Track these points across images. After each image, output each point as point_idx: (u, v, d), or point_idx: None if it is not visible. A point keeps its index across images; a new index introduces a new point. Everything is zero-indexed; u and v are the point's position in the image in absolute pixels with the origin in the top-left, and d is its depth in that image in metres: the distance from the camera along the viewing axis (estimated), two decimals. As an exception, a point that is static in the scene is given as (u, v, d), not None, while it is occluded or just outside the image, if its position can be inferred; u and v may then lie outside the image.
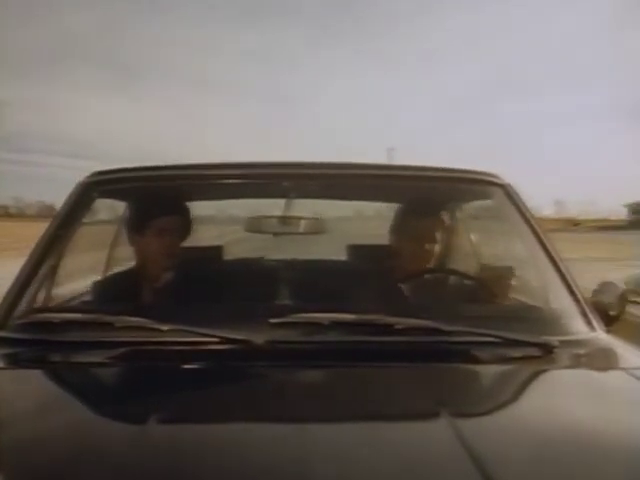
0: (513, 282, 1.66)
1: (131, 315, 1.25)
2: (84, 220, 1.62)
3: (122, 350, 1.21)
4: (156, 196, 1.74)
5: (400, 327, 1.23)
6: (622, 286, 1.60)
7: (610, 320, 1.46)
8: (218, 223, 2.64)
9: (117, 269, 2.01)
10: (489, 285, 1.68)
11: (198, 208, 2.02)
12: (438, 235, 1.87)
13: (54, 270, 1.50)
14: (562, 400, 1.08)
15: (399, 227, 1.92)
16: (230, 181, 1.66)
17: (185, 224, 1.82)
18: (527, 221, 1.56)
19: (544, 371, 1.23)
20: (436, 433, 0.93)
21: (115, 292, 1.69)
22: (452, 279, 1.86)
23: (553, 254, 1.50)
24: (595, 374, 1.23)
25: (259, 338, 1.19)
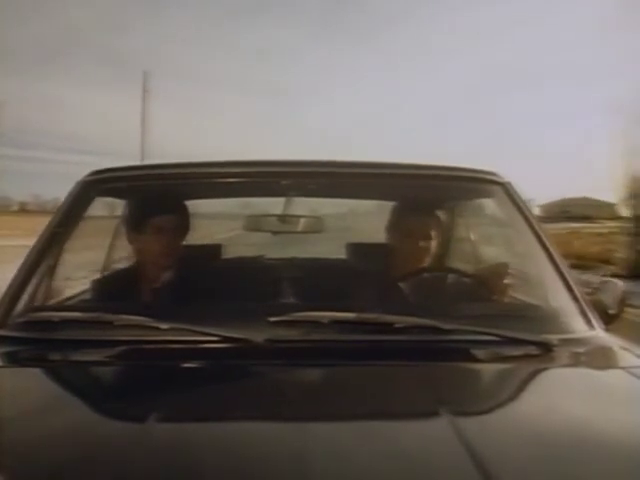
0: (512, 280, 1.66)
1: (130, 314, 1.24)
2: (83, 219, 1.62)
3: (121, 349, 1.21)
4: (155, 194, 1.74)
5: (399, 326, 1.23)
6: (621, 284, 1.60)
7: (609, 319, 1.46)
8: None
9: (116, 267, 2.01)
10: (488, 283, 1.67)
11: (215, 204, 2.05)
12: (437, 233, 1.87)
13: (53, 268, 1.50)
14: (561, 398, 1.08)
15: (397, 225, 1.91)
16: (229, 179, 1.65)
17: (184, 222, 1.82)
18: (527, 219, 1.56)
19: (543, 369, 1.23)
20: (436, 432, 0.93)
21: (114, 291, 1.69)
22: (452, 277, 1.86)
23: (553, 252, 1.50)
24: (594, 373, 1.23)
25: (258, 336, 1.18)
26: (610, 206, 22.09)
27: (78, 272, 1.88)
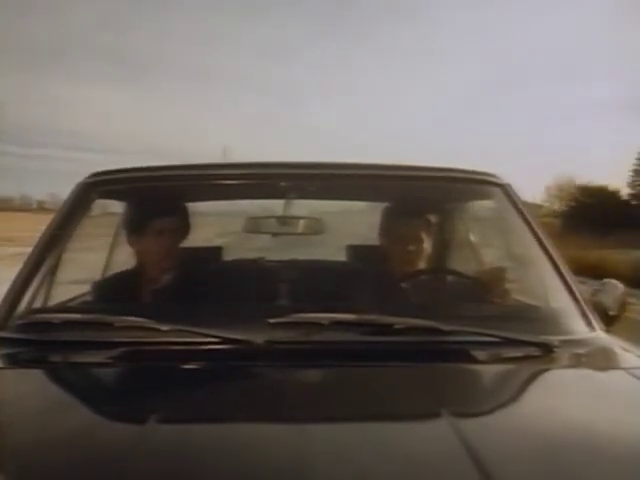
0: (512, 282, 1.66)
1: (131, 315, 1.25)
2: (83, 221, 1.62)
3: (122, 350, 1.21)
4: (155, 196, 1.74)
5: (399, 327, 1.23)
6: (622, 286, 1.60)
7: (610, 320, 1.46)
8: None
9: (117, 269, 2.01)
10: (489, 285, 1.67)
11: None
12: (437, 235, 1.87)
13: (54, 270, 1.50)
14: (562, 400, 1.08)
15: (395, 227, 1.90)
16: (228, 182, 1.66)
17: (184, 224, 1.82)
18: (526, 221, 1.56)
19: (544, 371, 1.23)
20: (437, 433, 0.93)
21: (115, 292, 1.69)
22: (452, 279, 1.86)
23: (552, 254, 1.50)
24: (595, 374, 1.23)
25: (259, 338, 1.18)
26: (539, 207, 23.23)
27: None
